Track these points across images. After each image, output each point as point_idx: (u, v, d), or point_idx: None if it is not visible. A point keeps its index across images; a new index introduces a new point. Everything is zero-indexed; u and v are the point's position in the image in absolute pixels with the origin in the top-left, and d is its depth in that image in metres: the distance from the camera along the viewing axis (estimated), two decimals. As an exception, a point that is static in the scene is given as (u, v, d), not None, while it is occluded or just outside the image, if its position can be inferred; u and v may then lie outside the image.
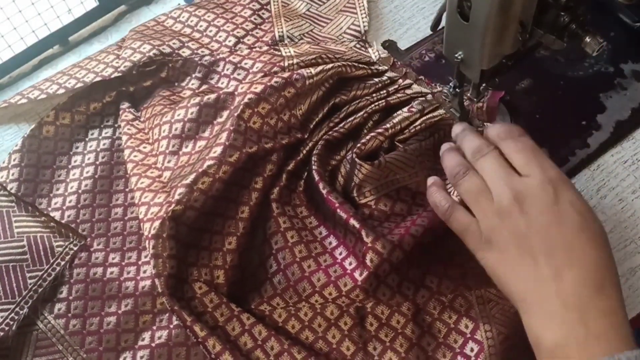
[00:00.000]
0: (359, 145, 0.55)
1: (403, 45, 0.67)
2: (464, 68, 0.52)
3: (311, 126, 0.59)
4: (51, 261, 0.53)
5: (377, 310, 0.51)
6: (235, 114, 0.54)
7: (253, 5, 0.70)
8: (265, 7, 0.70)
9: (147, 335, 0.51)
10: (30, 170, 0.59)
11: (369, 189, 0.54)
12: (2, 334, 0.50)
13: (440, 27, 0.59)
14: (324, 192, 0.53)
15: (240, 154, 0.53)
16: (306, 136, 0.58)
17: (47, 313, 0.52)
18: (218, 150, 0.53)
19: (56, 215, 0.57)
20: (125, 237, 0.55)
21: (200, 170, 0.52)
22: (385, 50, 0.67)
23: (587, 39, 0.46)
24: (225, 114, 0.56)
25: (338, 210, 0.51)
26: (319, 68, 0.58)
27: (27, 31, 0.68)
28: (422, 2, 0.71)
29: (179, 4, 0.73)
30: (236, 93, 0.56)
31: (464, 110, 0.57)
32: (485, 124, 0.58)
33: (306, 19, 0.69)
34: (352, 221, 0.50)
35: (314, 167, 0.55)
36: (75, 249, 0.54)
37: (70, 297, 0.52)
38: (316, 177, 0.54)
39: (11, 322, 0.50)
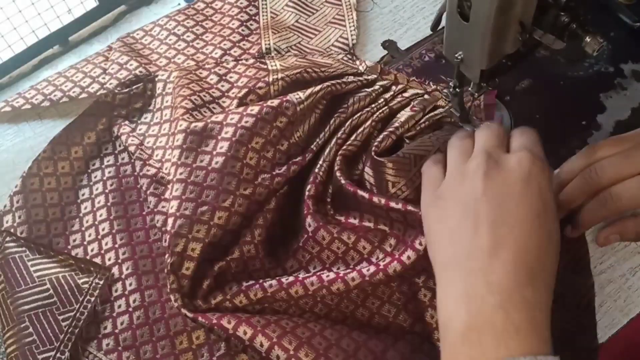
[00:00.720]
0: (375, 144, 0.55)
1: (403, 45, 0.67)
2: (464, 68, 0.51)
3: (314, 148, 0.58)
4: (80, 299, 0.52)
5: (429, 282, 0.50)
6: (229, 154, 0.53)
7: (241, 17, 0.69)
8: (253, 17, 0.69)
9: (205, 351, 0.50)
10: (38, 210, 0.57)
11: (404, 182, 0.53)
12: None
13: (440, 27, 0.59)
14: (367, 196, 0.52)
15: (234, 197, 0.52)
16: (308, 157, 0.57)
17: (96, 351, 0.50)
18: (211, 194, 0.52)
19: (78, 252, 0.56)
20: (154, 259, 0.54)
21: (194, 218, 0.51)
22: (385, 50, 0.67)
23: (587, 39, 0.46)
24: (212, 143, 0.54)
25: (390, 204, 0.50)
26: (308, 91, 0.57)
27: (27, 31, 0.68)
28: (422, 2, 0.71)
29: (178, 4, 0.73)
30: (225, 123, 0.55)
31: (464, 110, 0.57)
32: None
33: (294, 31, 0.69)
34: (410, 207, 0.49)
35: (342, 181, 0.54)
36: (101, 282, 0.53)
37: (116, 331, 0.51)
38: (351, 189, 0.53)
39: None
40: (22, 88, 0.66)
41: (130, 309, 0.52)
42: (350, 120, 0.59)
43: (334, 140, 0.58)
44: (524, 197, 0.39)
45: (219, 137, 0.54)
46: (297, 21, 0.70)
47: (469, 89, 0.54)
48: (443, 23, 0.52)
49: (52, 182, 0.59)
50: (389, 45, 0.67)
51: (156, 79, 0.63)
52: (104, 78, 0.64)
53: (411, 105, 0.59)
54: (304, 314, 0.51)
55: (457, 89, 0.55)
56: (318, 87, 0.58)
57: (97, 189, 0.59)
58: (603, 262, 0.54)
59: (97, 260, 0.55)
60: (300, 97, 0.57)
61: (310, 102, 0.57)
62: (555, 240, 0.39)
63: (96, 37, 0.72)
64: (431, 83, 0.62)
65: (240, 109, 0.56)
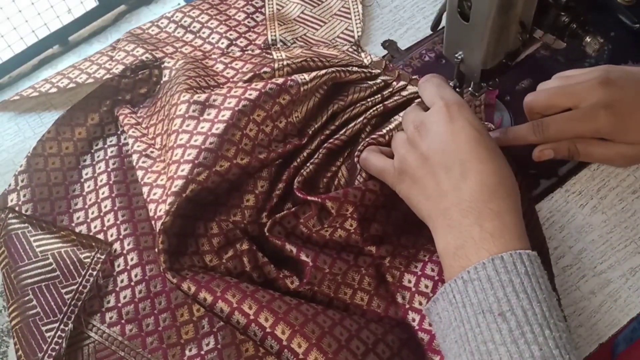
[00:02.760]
0: (360, 147, 0.55)
1: (403, 45, 0.67)
2: (464, 68, 0.52)
3: (310, 132, 0.58)
4: (82, 273, 0.53)
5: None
6: (231, 122, 0.53)
7: (247, 9, 0.70)
8: (259, 10, 0.70)
9: (205, 323, 0.50)
10: (42, 189, 0.58)
11: None
12: (54, 353, 0.49)
13: (440, 27, 0.59)
14: (301, 196, 0.52)
15: (230, 164, 0.52)
16: (304, 141, 0.57)
17: (99, 324, 0.51)
18: (209, 156, 0.52)
19: (82, 229, 0.57)
20: (155, 235, 0.54)
21: (189, 177, 0.51)
22: (385, 49, 0.67)
23: (587, 39, 0.46)
24: (214, 112, 0.55)
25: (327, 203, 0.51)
26: (313, 74, 0.58)
27: (27, 31, 0.68)
28: (422, 2, 0.71)
29: (178, 4, 0.73)
30: (228, 95, 0.55)
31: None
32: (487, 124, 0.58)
33: (299, 23, 0.69)
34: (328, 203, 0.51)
35: (298, 179, 0.54)
36: (102, 257, 0.53)
37: (119, 304, 0.52)
38: (300, 196, 0.53)
39: (59, 340, 0.49)
40: (22, 88, 0.66)
41: (132, 283, 0.53)
42: (345, 111, 0.59)
43: (324, 129, 0.58)
44: (457, 134, 0.45)
45: (222, 107, 0.54)
46: (302, 12, 0.70)
47: (469, 89, 0.54)
48: (443, 23, 0.52)
49: (57, 162, 0.60)
50: (389, 45, 0.67)
51: (162, 66, 0.64)
52: (110, 64, 0.64)
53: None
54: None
55: (457, 89, 0.55)
56: (323, 72, 0.58)
57: (99, 168, 0.60)
58: (603, 262, 0.54)
59: (100, 236, 0.56)
60: (304, 79, 0.57)
61: (314, 85, 0.57)
62: (499, 153, 0.46)
63: (96, 37, 0.72)
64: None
65: (245, 85, 0.57)
